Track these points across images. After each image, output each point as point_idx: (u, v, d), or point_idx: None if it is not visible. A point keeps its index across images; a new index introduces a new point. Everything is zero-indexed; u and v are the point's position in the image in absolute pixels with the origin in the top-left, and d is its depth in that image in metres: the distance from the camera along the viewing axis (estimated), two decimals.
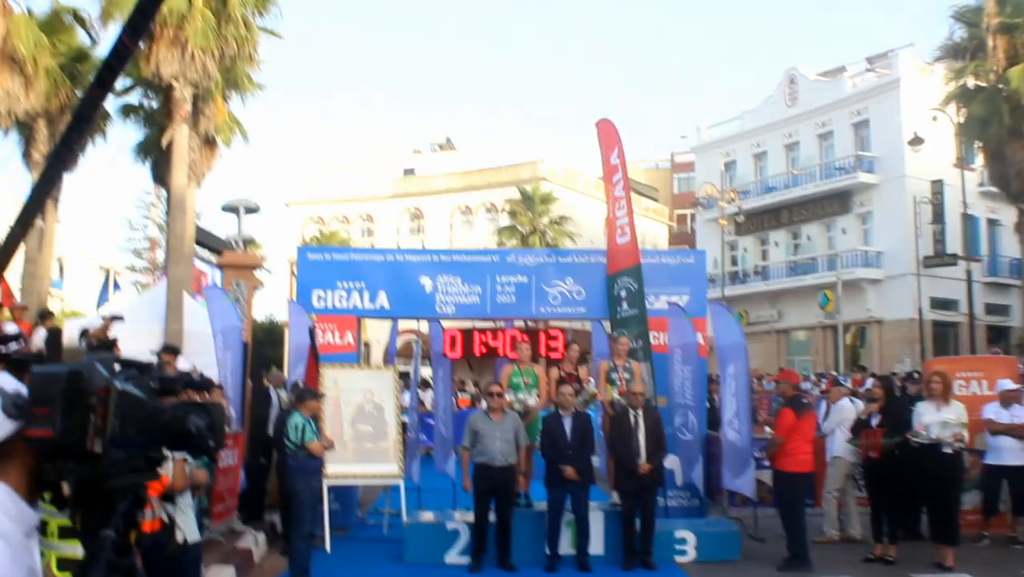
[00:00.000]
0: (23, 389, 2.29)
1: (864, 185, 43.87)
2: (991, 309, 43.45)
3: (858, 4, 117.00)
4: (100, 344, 7.01)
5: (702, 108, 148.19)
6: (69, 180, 25.83)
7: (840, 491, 13.21)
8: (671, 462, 13.61)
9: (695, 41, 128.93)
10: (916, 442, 11.34)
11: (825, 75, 48.91)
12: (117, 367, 2.55)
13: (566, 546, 11.66)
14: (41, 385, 2.27)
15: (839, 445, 12.99)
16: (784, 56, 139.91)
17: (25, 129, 23.55)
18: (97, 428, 2.24)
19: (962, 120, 33.05)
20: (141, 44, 19.55)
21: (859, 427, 12.07)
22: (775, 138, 49.74)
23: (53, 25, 23.65)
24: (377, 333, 35.12)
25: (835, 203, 45.79)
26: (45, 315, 15.40)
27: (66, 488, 2.41)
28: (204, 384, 4.26)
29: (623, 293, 14.33)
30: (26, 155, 23.03)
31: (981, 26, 31.54)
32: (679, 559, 11.98)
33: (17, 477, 2.27)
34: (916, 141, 34.53)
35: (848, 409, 13.09)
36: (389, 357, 17.06)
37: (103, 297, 26.15)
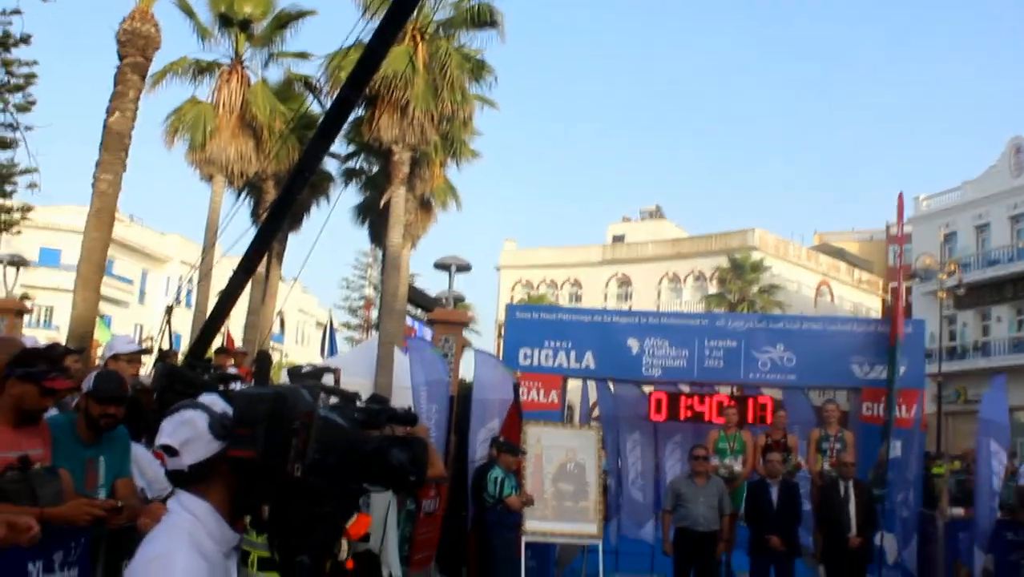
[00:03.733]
0: (230, 411, 2.31)
1: None
2: None
3: None
4: (311, 374, 7.18)
5: (919, 178, 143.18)
6: (294, 241, 26.92)
7: None
8: (887, 540, 12.89)
9: (912, 110, 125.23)
10: None
11: None
12: (323, 396, 2.58)
13: None
14: (246, 406, 2.29)
15: None
16: (1006, 125, 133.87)
17: (255, 190, 24.88)
18: (298, 452, 2.24)
19: None
20: (362, 109, 20.47)
21: None
22: (999, 209, 47.37)
23: (284, 92, 24.99)
24: (579, 397, 35.04)
25: None
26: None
27: (266, 513, 2.42)
28: (409, 419, 4.25)
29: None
30: (254, 214, 24.26)
31: None
32: None
33: (220, 497, 2.29)
34: None
35: None
36: (583, 419, 17.00)
37: (332, 348, 26.76)
